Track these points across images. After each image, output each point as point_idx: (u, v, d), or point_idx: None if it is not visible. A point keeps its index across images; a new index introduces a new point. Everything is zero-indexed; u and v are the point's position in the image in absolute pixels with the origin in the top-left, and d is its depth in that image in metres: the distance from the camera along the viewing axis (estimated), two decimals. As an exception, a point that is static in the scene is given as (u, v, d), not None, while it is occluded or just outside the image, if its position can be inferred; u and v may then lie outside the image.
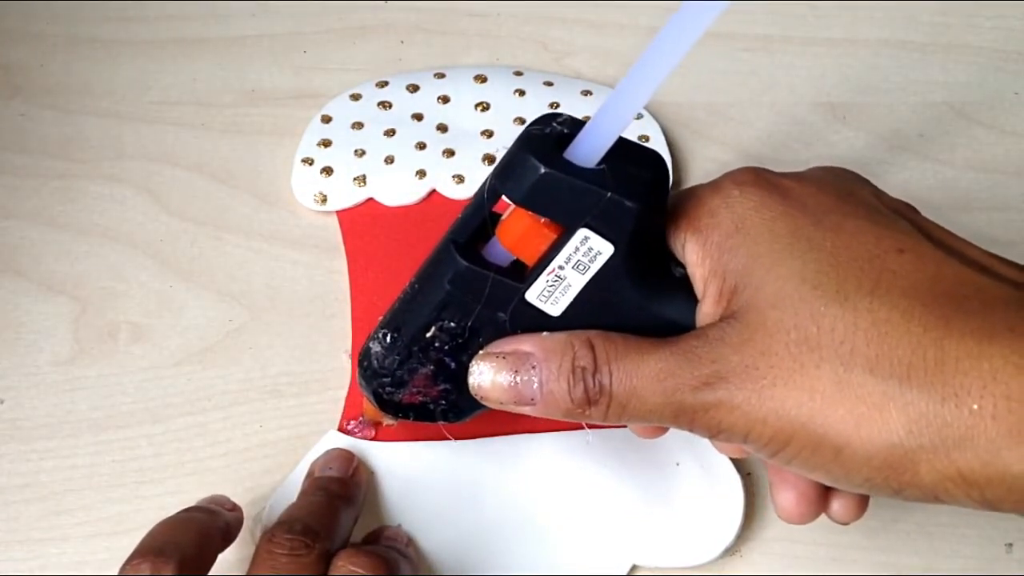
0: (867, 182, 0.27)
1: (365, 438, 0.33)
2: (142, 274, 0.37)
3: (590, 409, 0.25)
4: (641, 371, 0.25)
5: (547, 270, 0.25)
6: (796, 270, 0.23)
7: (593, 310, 0.26)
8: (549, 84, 0.40)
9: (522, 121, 0.39)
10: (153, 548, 0.28)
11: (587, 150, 0.24)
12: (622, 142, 0.25)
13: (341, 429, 0.34)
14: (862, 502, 0.28)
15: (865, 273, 0.23)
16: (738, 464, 0.33)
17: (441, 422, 0.29)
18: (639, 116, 0.39)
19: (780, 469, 0.26)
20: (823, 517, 0.33)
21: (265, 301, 0.37)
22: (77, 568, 0.32)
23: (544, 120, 0.26)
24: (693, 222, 0.25)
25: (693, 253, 0.25)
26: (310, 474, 0.32)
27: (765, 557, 0.33)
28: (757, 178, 0.25)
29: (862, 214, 0.24)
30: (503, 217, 0.26)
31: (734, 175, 0.26)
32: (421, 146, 0.38)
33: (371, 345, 0.29)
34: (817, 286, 0.23)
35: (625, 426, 0.31)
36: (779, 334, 0.23)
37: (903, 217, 0.25)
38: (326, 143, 0.39)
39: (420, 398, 0.29)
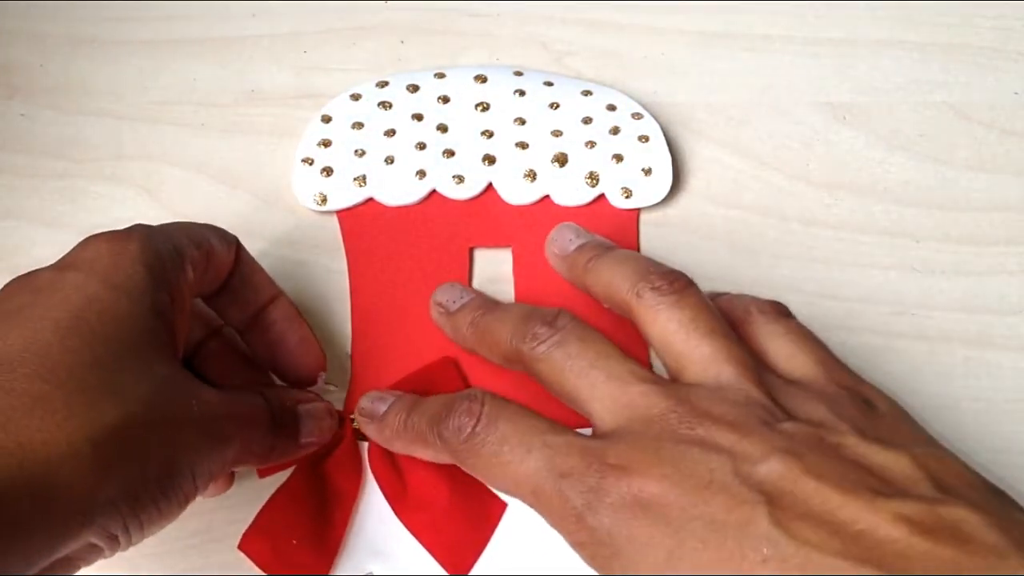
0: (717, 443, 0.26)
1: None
2: (142, 274, 0.37)
3: None
4: None
5: None
6: None
7: None
8: (549, 84, 0.40)
9: (522, 121, 0.39)
10: None
11: None
12: None
13: (341, 429, 0.34)
14: None
15: None
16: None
17: None
18: (639, 116, 0.39)
19: None
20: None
21: (265, 301, 0.37)
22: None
23: None
24: (569, 539, 0.26)
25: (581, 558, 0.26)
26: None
27: (765, 557, 0.33)
28: (623, 496, 0.25)
29: (722, 516, 0.24)
30: None
31: (597, 499, 0.25)
32: (421, 146, 0.38)
33: None
34: None
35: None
36: None
37: (763, 488, 0.24)
38: (326, 143, 0.39)
39: None
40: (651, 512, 0.24)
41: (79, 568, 0.26)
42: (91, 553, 0.26)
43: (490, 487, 0.28)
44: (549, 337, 0.29)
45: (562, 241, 0.34)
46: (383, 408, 0.31)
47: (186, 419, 0.27)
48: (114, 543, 0.25)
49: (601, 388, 0.27)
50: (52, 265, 0.28)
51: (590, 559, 0.25)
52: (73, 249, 0.28)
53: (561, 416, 0.28)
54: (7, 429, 0.23)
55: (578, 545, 0.25)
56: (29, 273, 0.27)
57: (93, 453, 0.24)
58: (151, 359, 0.26)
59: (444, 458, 0.29)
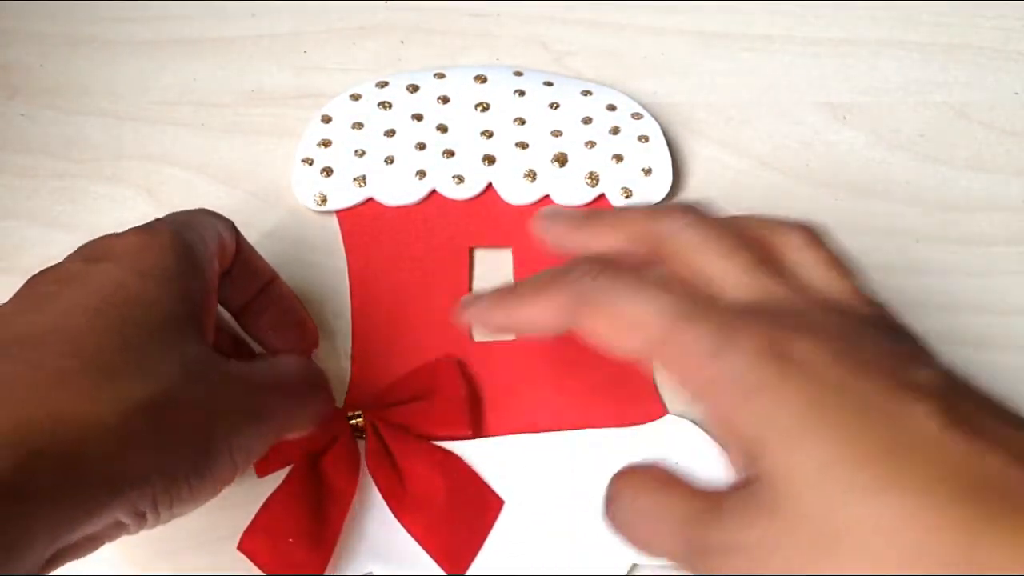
0: (878, 326, 0.25)
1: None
2: (142, 274, 0.37)
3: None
4: (664, 506, 0.24)
5: None
6: (818, 452, 0.21)
7: None
8: (549, 84, 0.40)
9: (522, 121, 0.39)
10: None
11: None
12: None
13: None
14: None
15: (893, 461, 0.21)
16: (738, 464, 0.33)
17: None
18: (639, 116, 0.39)
19: None
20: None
21: (265, 301, 0.37)
22: (77, 568, 0.32)
23: None
24: (695, 382, 0.24)
25: (706, 414, 0.24)
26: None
27: (765, 557, 0.33)
28: (764, 343, 0.23)
29: (882, 390, 0.22)
30: None
31: (735, 338, 0.23)
32: (421, 146, 0.38)
33: None
34: (841, 472, 0.21)
35: None
36: (800, 520, 0.21)
37: (921, 393, 0.23)
38: (326, 143, 0.39)
39: None
40: (797, 366, 0.22)
41: (102, 545, 0.26)
42: (116, 529, 0.25)
43: (604, 339, 0.25)
44: (690, 215, 0.27)
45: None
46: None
47: (220, 398, 0.27)
48: (141, 520, 0.25)
49: (737, 274, 0.25)
50: (79, 256, 0.28)
51: (716, 399, 0.23)
52: (100, 242, 0.28)
53: None
54: (36, 403, 0.23)
55: (705, 383, 0.23)
56: (56, 265, 0.27)
57: (122, 429, 0.24)
58: (180, 341, 0.26)
59: (557, 311, 0.26)
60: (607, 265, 0.26)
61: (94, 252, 0.28)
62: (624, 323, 0.25)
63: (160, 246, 0.27)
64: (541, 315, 0.27)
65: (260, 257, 0.33)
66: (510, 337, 0.36)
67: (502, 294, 0.28)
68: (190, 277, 0.28)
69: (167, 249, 0.27)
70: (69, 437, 0.23)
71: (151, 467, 0.24)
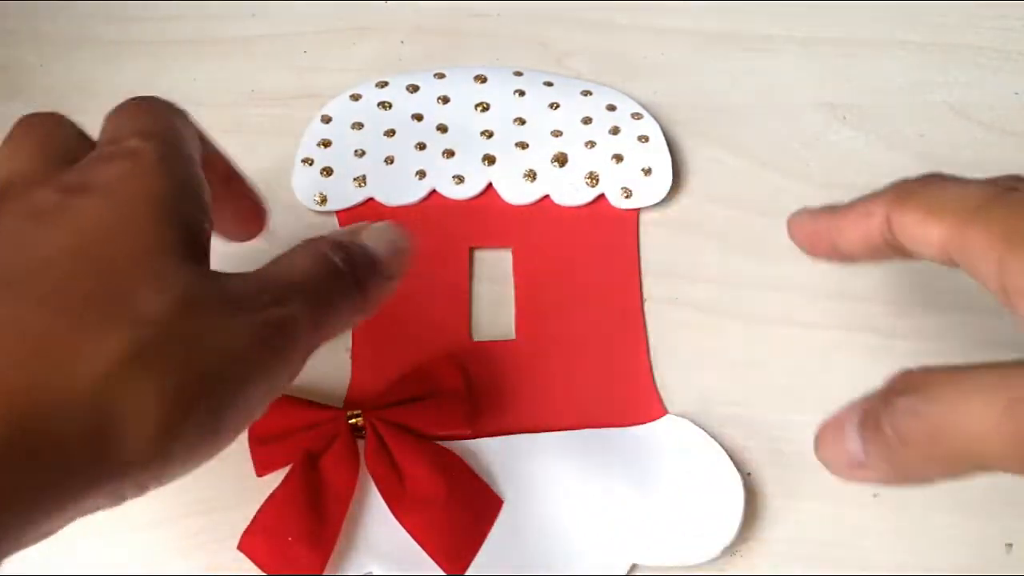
0: None
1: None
2: (142, 274, 0.37)
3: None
4: (962, 386, 0.22)
5: None
6: None
7: None
8: (549, 84, 0.40)
9: (522, 121, 0.39)
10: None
11: None
12: None
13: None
14: None
15: None
16: (738, 464, 0.33)
17: None
18: (639, 116, 0.39)
19: None
20: (822, 518, 0.33)
21: (265, 301, 0.37)
22: (75, 568, 0.32)
23: None
24: (1001, 239, 0.25)
25: (1015, 266, 0.24)
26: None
27: (765, 557, 0.33)
28: None
29: None
30: None
31: None
32: (421, 146, 0.38)
33: None
34: None
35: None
36: None
37: None
38: (326, 143, 0.39)
39: None
40: None
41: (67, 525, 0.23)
42: (90, 512, 0.22)
43: (912, 232, 0.27)
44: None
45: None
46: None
47: (226, 328, 0.23)
48: (121, 501, 0.22)
49: None
50: (54, 185, 0.24)
51: None
52: (78, 171, 0.24)
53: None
54: (17, 372, 0.20)
55: (1015, 233, 0.24)
56: (24, 192, 0.24)
57: (105, 400, 0.21)
58: (174, 268, 0.23)
59: (877, 208, 0.28)
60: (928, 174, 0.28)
61: (71, 182, 0.24)
62: (932, 207, 0.26)
63: (145, 172, 0.24)
64: (864, 213, 0.28)
65: (219, 153, 0.29)
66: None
67: (829, 206, 0.29)
68: (181, 199, 0.24)
69: (154, 174, 0.24)
70: (44, 425, 0.20)
71: (138, 448, 0.21)
